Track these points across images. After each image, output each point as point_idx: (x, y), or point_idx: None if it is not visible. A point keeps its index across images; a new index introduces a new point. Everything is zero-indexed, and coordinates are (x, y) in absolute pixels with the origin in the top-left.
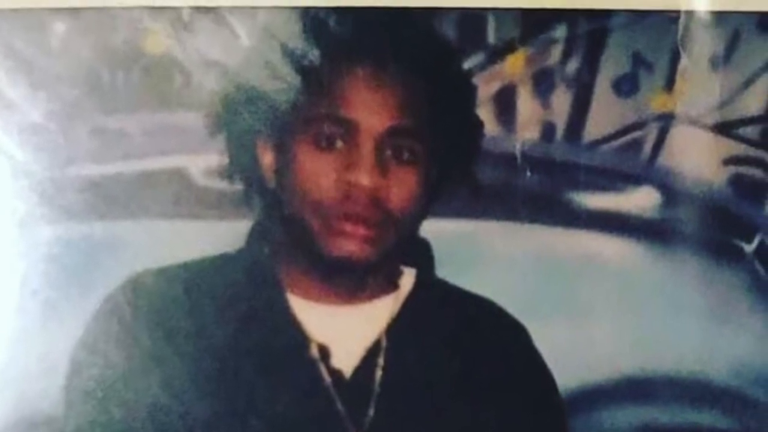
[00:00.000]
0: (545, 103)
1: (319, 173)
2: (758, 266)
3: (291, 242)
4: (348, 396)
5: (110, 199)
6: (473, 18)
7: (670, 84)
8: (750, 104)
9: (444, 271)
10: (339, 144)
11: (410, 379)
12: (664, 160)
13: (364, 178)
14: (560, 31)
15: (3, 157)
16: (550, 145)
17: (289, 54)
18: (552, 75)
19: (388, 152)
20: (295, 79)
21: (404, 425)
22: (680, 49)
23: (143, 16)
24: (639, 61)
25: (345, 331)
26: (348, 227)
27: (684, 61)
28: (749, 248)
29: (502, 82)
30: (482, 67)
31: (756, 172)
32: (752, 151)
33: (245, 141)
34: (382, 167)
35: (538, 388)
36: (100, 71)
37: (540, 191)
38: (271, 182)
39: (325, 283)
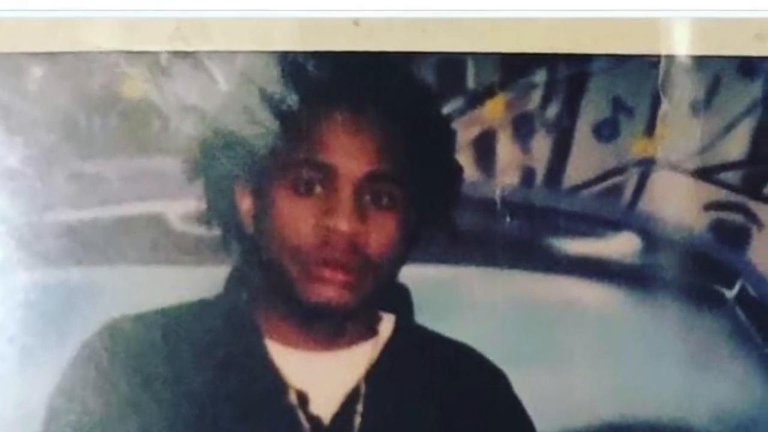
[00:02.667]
0: (525, 148)
1: (298, 218)
2: (739, 312)
3: (269, 288)
4: None
5: (88, 244)
6: (452, 62)
7: (650, 129)
8: (731, 149)
9: (423, 317)
10: (317, 189)
11: (389, 426)
12: (644, 205)
13: (343, 224)
14: (540, 76)
15: None
16: (529, 190)
17: (267, 99)
18: (532, 120)
19: (367, 197)
20: (273, 124)
21: None
22: (661, 93)
23: (120, 61)
24: (619, 105)
25: (324, 377)
26: (327, 273)
27: (664, 106)
28: (730, 294)
29: (482, 126)
30: (462, 111)
31: (737, 218)
32: (733, 197)
33: (223, 186)
34: (360, 212)
35: None
36: (78, 116)
37: (519, 237)
38: (250, 228)
39: (303, 329)
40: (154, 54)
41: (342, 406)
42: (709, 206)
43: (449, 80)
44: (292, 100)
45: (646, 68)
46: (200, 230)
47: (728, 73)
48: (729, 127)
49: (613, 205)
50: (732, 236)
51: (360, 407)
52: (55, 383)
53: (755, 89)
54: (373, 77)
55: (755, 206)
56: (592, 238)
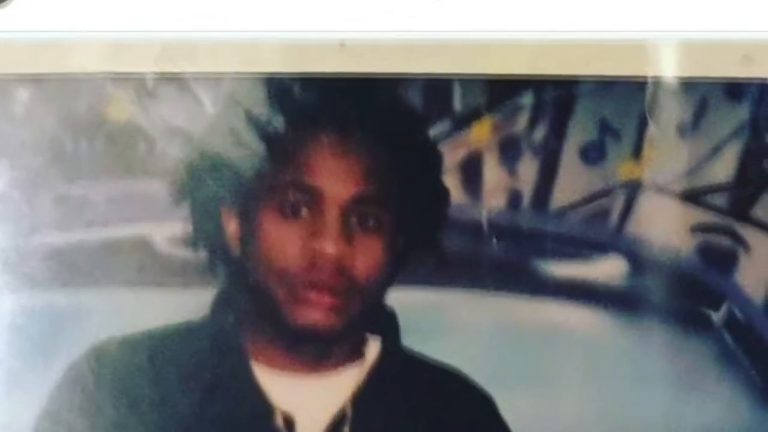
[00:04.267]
0: (511, 171)
1: (284, 241)
2: (726, 335)
3: (256, 311)
4: None
5: (74, 267)
6: (439, 85)
7: (637, 151)
8: (718, 172)
9: (410, 340)
10: (304, 212)
11: None
12: (631, 228)
13: (330, 246)
14: (527, 99)
15: None
16: (516, 212)
17: (253, 121)
18: (518, 142)
19: (354, 220)
20: (259, 147)
21: None
22: (648, 116)
23: (106, 83)
24: (606, 128)
25: (310, 400)
26: (313, 296)
27: (651, 129)
28: (717, 317)
29: (468, 149)
30: (448, 134)
31: (724, 240)
32: (720, 219)
33: (209, 209)
34: (347, 235)
35: None
36: (64, 138)
37: (506, 259)
38: (236, 250)
39: (290, 351)
40: (140, 76)
41: (328, 429)
42: (696, 229)
43: (436, 103)
44: (279, 122)
45: (633, 91)
46: (186, 253)
47: (715, 96)
48: (716, 150)
49: (600, 228)
50: (719, 259)
51: (346, 430)
52: (42, 406)
53: (742, 111)
54: (360, 100)
55: (742, 229)
56: (578, 261)
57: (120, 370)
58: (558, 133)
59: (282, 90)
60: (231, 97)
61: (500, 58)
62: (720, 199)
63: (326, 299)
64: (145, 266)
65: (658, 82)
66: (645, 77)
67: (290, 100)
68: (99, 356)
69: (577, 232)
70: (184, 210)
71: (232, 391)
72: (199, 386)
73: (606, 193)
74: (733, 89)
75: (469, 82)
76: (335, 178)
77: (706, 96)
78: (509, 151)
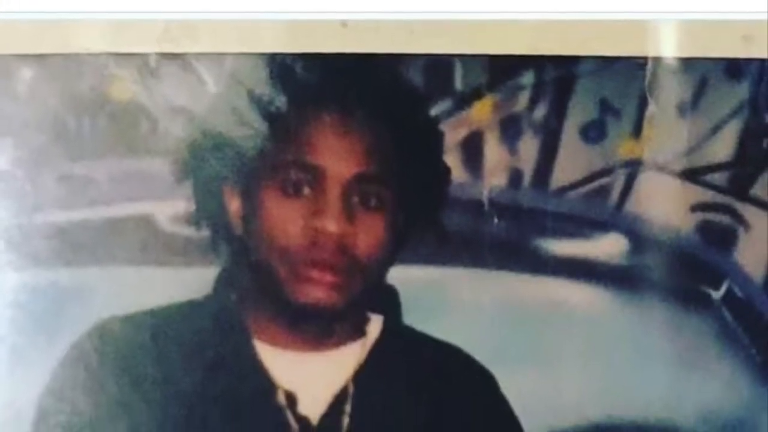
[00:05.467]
0: (512, 150)
1: (286, 220)
2: (726, 313)
3: (258, 289)
4: None
5: (77, 245)
6: (440, 64)
7: (637, 130)
8: (718, 150)
9: (411, 318)
10: (306, 190)
11: (377, 426)
12: (631, 206)
13: (331, 225)
14: (528, 78)
15: None
16: (517, 191)
17: (255, 100)
18: (519, 121)
19: (355, 198)
20: (261, 126)
21: None
22: (648, 95)
23: (109, 63)
24: (606, 107)
25: (312, 377)
26: (315, 274)
27: (651, 108)
28: (717, 295)
29: (470, 128)
30: (449, 113)
31: (723, 219)
32: (720, 198)
33: (212, 187)
34: (349, 214)
35: None
36: (67, 118)
37: (507, 238)
38: (238, 229)
39: (292, 329)
40: (143, 56)
41: (330, 407)
42: (696, 207)
43: (437, 82)
44: (281, 101)
45: (633, 70)
46: (189, 231)
47: (715, 75)
48: (716, 129)
49: (600, 207)
50: (719, 237)
51: (348, 408)
52: (45, 384)
53: (742, 91)
54: (361, 79)
55: (742, 207)
56: (579, 239)
57: (123, 348)
58: (558, 112)
59: (284, 69)
60: (233, 76)
61: (501, 37)
62: (720, 178)
63: (328, 277)
64: (148, 245)
65: (658, 62)
66: (645, 57)
67: (292, 79)
68: (102, 334)
69: (578, 211)
70: (187, 189)
71: (234, 368)
72: (201, 364)
73: (606, 172)
74: (733, 69)
75: (470, 61)
76: (337, 157)
77: (706, 75)
78: (510, 130)
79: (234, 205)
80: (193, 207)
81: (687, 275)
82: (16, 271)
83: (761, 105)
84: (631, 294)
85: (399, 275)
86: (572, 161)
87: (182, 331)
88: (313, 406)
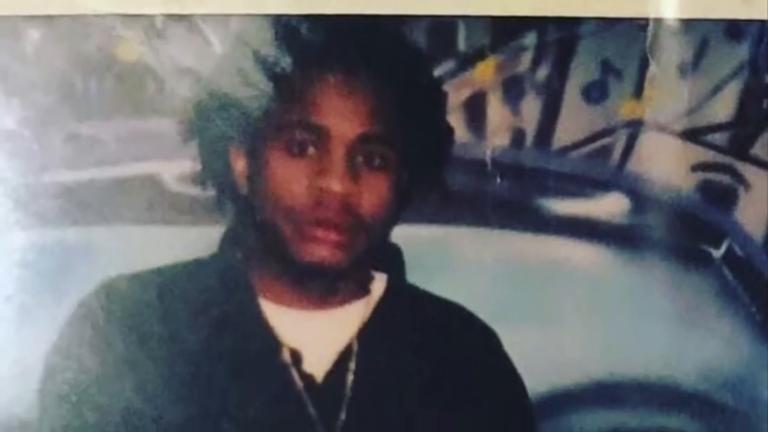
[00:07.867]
0: (515, 110)
1: (291, 179)
2: (726, 272)
3: (263, 248)
4: (320, 400)
5: (84, 205)
6: (443, 25)
7: (639, 91)
8: (718, 111)
9: (415, 277)
10: (311, 150)
11: (381, 384)
12: (633, 166)
13: (336, 184)
14: (530, 39)
15: None
16: (519, 151)
17: (261, 61)
18: (522, 82)
19: (360, 158)
20: (267, 86)
21: (376, 429)
22: (649, 56)
23: (116, 24)
24: (608, 68)
25: (317, 335)
26: (319, 233)
27: (653, 68)
28: (717, 254)
29: (473, 89)
30: (453, 74)
31: (724, 179)
32: (720, 158)
33: (218, 147)
34: (353, 173)
35: (507, 392)
36: (74, 78)
37: (510, 197)
38: (244, 188)
39: (296, 288)
40: (150, 17)
41: (335, 364)
42: (697, 167)
43: (440, 43)
44: (286, 62)
45: (634, 31)
46: (195, 191)
47: (716, 36)
48: (716, 89)
49: (602, 166)
50: (719, 197)
51: (352, 365)
52: (52, 342)
53: (742, 52)
54: (366, 40)
55: (742, 167)
56: (581, 199)
57: (129, 307)
58: (560, 73)
59: (289, 30)
60: (239, 37)
61: None
62: (720, 138)
63: (332, 236)
64: (155, 204)
65: (659, 23)
66: (646, 18)
67: (297, 40)
68: (109, 293)
69: (580, 170)
70: (193, 149)
71: (239, 327)
72: (207, 322)
73: (608, 132)
74: (733, 30)
75: (473, 22)
76: (341, 117)
77: (707, 36)
78: (513, 90)
79: (239, 165)
80: (199, 167)
81: (688, 234)
82: (23, 230)
83: (761, 66)
84: (632, 253)
85: (403, 234)
86: (574, 121)
87: (188, 289)
88: (317, 363)
